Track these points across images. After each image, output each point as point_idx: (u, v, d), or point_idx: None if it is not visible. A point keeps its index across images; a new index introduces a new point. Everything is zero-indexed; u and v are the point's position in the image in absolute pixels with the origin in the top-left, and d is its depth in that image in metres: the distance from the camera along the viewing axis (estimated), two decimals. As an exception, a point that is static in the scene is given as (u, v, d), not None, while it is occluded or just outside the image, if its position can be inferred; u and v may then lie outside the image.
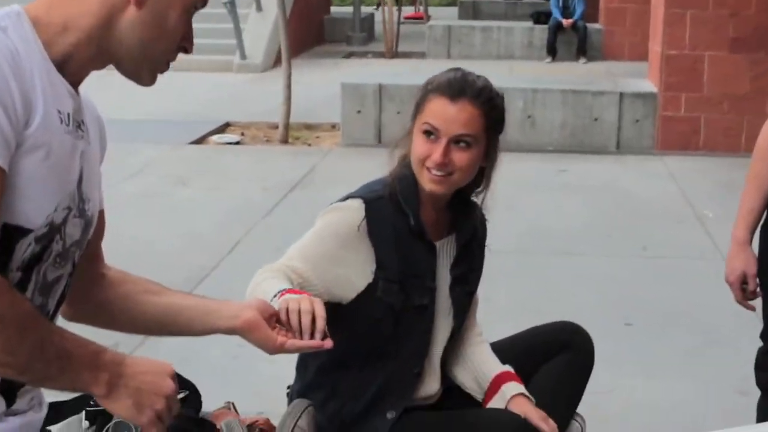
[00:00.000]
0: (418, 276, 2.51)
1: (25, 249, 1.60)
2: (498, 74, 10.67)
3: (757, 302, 2.97)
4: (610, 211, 7.20)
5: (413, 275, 2.49)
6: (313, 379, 2.57)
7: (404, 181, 2.48)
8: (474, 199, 2.59)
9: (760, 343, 3.00)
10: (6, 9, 1.64)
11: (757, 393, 3.04)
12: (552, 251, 6.23)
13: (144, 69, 1.72)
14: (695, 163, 8.79)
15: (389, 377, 2.51)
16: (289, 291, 2.15)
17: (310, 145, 9.81)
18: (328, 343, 1.92)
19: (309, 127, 10.39)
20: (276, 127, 10.05)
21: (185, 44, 1.74)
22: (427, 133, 2.42)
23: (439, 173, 2.40)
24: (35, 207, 1.59)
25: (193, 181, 8.01)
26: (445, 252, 2.58)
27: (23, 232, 1.58)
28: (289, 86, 9.85)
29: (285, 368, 2.74)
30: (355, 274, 2.44)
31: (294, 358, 2.60)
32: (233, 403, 2.65)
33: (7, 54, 1.54)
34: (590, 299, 5.27)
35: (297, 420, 2.44)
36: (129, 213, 6.84)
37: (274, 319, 1.93)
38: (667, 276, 5.74)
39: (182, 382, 2.35)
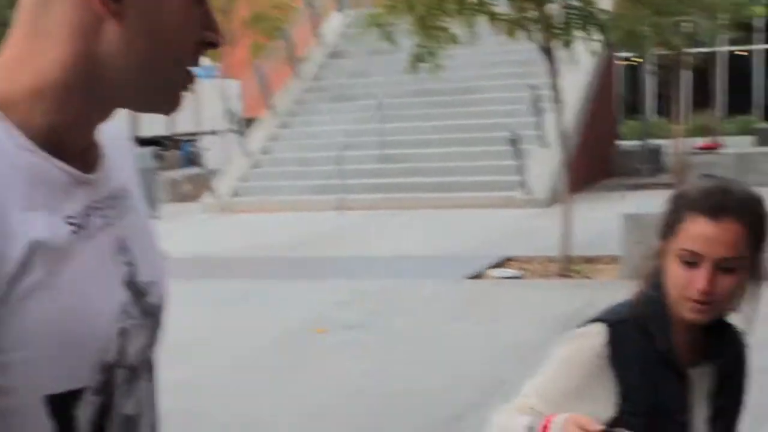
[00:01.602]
0: (668, 410, 2.22)
1: (87, 409, 1.20)
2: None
3: None
4: None
5: (662, 409, 2.21)
6: None
7: (652, 303, 2.22)
8: (732, 321, 2.28)
9: None
10: None
11: None
12: None
13: (159, 94, 1.23)
14: None
15: None
16: (544, 427, 2.03)
17: (590, 278, 9.51)
18: None
19: (589, 260, 10.10)
20: (556, 261, 9.85)
21: (208, 37, 1.23)
22: (686, 259, 2.16)
23: (702, 302, 2.13)
24: (72, 363, 1.16)
25: (468, 316, 7.90)
26: (700, 382, 2.28)
27: (76, 394, 1.18)
28: (568, 220, 9.65)
29: None
30: (596, 409, 2.19)
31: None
32: None
33: None
34: None
35: None
36: (399, 349, 6.82)
37: None
38: None
39: None
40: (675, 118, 18.78)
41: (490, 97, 18.19)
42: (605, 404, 2.18)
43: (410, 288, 9.04)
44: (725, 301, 2.14)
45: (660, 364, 2.21)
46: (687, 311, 2.15)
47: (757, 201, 2.15)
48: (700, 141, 23.12)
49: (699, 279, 2.10)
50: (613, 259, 9.80)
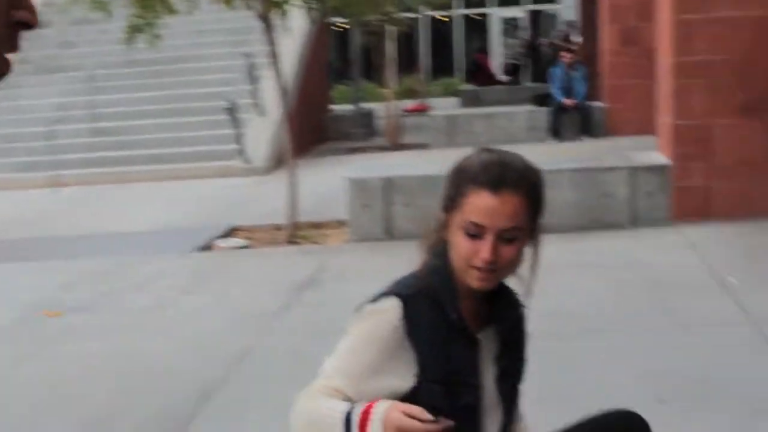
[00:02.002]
0: (461, 374, 2.30)
1: None
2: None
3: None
4: (631, 286, 6.97)
5: (456, 374, 2.29)
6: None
7: (438, 273, 2.29)
8: (511, 286, 2.39)
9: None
10: None
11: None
12: (575, 332, 5.99)
13: None
14: (713, 231, 8.58)
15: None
16: (364, 414, 2.06)
17: (318, 243, 9.64)
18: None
19: (316, 225, 10.21)
20: (282, 228, 9.91)
21: (21, 16, 1.01)
22: (471, 231, 2.22)
23: (487, 270, 2.20)
24: None
25: (200, 289, 7.82)
26: (488, 344, 2.38)
27: None
28: (292, 186, 9.74)
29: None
30: (398, 381, 2.25)
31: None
32: None
33: None
34: (619, 378, 5.02)
35: None
36: (135, 327, 6.67)
37: None
38: (697, 347, 5.49)
39: None
40: (384, 82, 19.29)
41: (204, 66, 17.99)
42: (405, 376, 2.24)
43: (138, 265, 8.84)
44: (508, 269, 2.26)
45: (451, 332, 2.29)
46: (472, 280, 2.24)
47: (533, 172, 2.27)
48: (409, 103, 23.88)
49: (483, 249, 2.19)
50: (339, 224, 9.96)
